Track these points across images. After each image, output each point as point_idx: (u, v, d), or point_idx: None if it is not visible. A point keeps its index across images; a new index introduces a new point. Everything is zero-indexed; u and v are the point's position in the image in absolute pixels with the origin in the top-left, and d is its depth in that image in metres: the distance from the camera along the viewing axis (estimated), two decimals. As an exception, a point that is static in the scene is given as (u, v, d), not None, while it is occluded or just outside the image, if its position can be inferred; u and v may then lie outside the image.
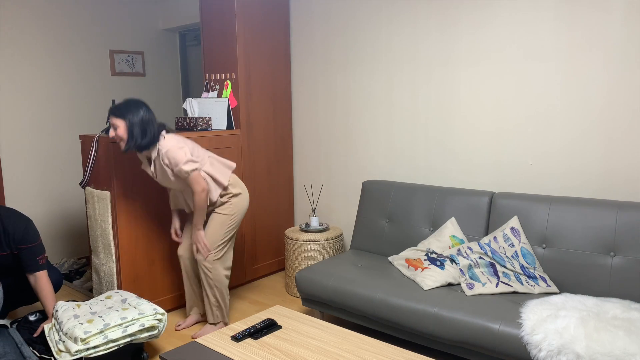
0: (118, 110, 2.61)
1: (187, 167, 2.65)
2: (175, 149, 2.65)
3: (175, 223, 3.02)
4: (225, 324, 3.01)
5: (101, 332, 2.39)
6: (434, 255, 2.78)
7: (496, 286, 2.52)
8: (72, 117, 4.47)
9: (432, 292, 2.55)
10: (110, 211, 2.97)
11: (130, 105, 2.63)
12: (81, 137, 3.15)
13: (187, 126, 3.51)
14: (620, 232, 2.45)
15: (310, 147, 4.04)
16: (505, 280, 2.55)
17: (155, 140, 2.67)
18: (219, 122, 3.62)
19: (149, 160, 2.80)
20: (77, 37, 4.45)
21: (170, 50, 5.18)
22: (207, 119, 3.49)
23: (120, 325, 2.45)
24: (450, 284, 2.65)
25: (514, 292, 2.53)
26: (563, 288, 2.57)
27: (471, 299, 2.45)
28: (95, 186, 3.09)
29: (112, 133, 2.64)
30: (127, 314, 2.51)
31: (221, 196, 2.86)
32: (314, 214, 3.73)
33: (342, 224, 3.92)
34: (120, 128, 2.61)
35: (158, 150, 2.69)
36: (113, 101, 3.07)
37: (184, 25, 4.90)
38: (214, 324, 2.97)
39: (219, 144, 3.50)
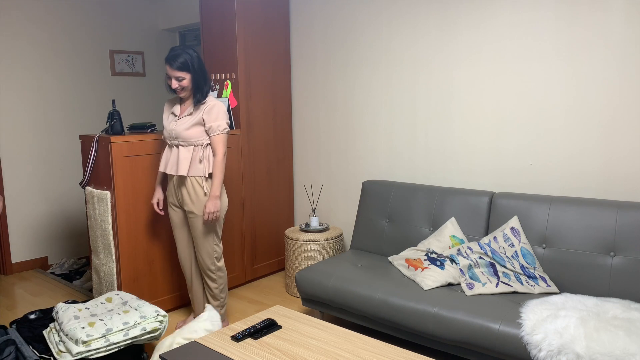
0: (179, 61, 2.69)
1: (225, 125, 2.76)
2: (223, 107, 2.79)
3: (158, 194, 3.00)
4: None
5: (103, 336, 2.39)
6: (434, 255, 2.78)
7: (496, 286, 2.52)
8: (72, 117, 4.48)
9: (432, 292, 2.55)
10: (110, 211, 2.97)
11: (187, 53, 2.71)
12: (81, 137, 3.15)
13: (187, 126, 3.51)
14: (620, 232, 2.45)
15: (310, 147, 4.04)
16: (505, 280, 2.55)
17: (209, 86, 2.80)
18: (219, 122, 3.62)
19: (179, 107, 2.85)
20: (77, 37, 4.45)
21: (170, 50, 5.18)
22: (207, 119, 3.49)
23: (122, 330, 2.45)
24: (450, 284, 2.65)
25: (514, 292, 2.53)
26: (563, 288, 2.57)
27: (471, 299, 2.45)
28: (95, 186, 3.09)
29: (175, 84, 2.72)
30: (128, 317, 2.51)
31: (205, 194, 2.82)
32: (314, 214, 3.73)
33: (342, 224, 3.92)
34: (186, 79, 2.72)
35: (205, 101, 2.78)
36: (113, 101, 3.07)
37: (184, 25, 4.90)
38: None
39: (219, 144, 3.50)
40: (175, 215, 2.93)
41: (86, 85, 4.55)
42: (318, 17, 3.82)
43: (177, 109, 2.84)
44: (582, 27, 2.69)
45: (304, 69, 3.97)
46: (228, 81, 3.63)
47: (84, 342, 2.33)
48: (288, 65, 4.01)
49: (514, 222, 2.73)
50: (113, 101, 3.08)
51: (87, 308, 2.66)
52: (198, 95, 2.76)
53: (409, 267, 2.82)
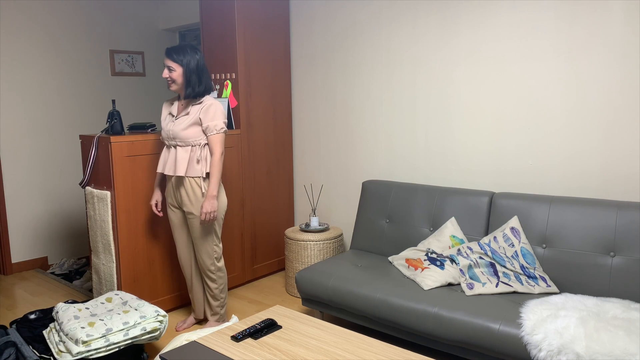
0: (175, 53, 2.70)
1: (222, 124, 2.75)
2: (221, 107, 2.77)
3: (157, 195, 3.00)
4: (224, 320, 3.02)
5: (103, 336, 2.39)
6: (434, 255, 2.78)
7: (496, 286, 2.52)
8: (72, 117, 4.48)
9: (432, 292, 2.55)
10: (110, 211, 2.97)
11: (187, 49, 2.71)
12: (81, 137, 3.15)
13: (187, 126, 3.51)
14: (620, 232, 2.45)
15: (310, 147, 4.04)
16: (505, 280, 2.55)
17: (208, 90, 2.78)
18: (219, 122, 3.62)
19: (177, 107, 2.83)
20: (77, 37, 4.45)
21: (170, 50, 5.18)
22: (207, 119, 3.49)
23: (122, 330, 2.45)
24: (450, 284, 2.65)
25: (514, 292, 2.53)
26: (563, 288, 2.57)
27: (471, 299, 2.45)
28: (95, 186, 3.09)
29: (166, 74, 2.72)
30: (128, 317, 2.51)
31: (204, 194, 2.81)
32: (314, 214, 3.73)
33: (342, 224, 3.92)
34: (176, 72, 2.71)
35: (202, 101, 2.76)
36: (113, 101, 3.07)
37: (184, 25, 4.90)
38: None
39: (219, 144, 3.49)
40: (174, 216, 2.93)
41: (86, 85, 4.55)
42: (318, 17, 3.82)
43: (174, 109, 2.84)
44: (582, 27, 2.69)
45: (304, 69, 3.97)
46: (228, 81, 3.63)
47: (84, 342, 2.33)
48: (288, 65, 4.01)
49: (514, 222, 2.73)
50: (113, 101, 3.08)
51: (87, 308, 2.66)
52: (188, 89, 2.74)
53: (409, 267, 2.82)
